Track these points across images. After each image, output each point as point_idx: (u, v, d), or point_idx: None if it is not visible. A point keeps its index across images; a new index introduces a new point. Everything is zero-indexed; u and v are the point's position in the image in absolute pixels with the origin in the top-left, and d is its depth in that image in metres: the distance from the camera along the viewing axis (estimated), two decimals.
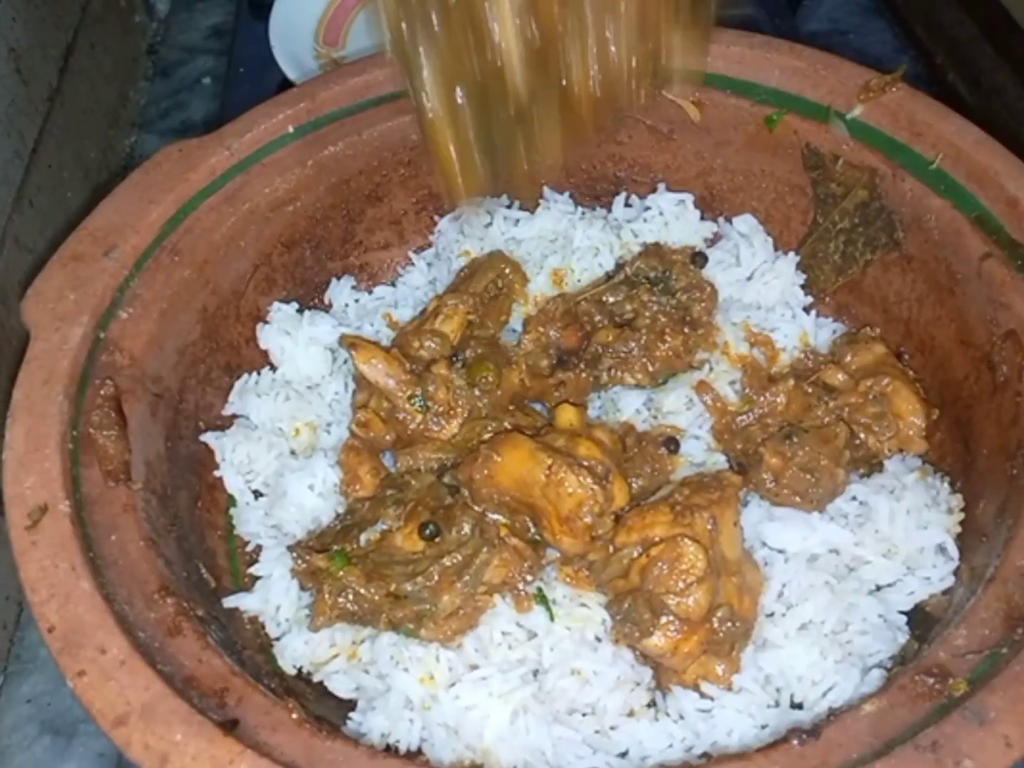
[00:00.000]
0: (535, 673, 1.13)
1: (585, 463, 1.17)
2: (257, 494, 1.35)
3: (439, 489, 1.24)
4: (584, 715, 1.12)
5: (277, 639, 1.22)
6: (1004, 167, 1.26)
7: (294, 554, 1.21)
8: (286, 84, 2.00)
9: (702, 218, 1.52)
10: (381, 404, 1.32)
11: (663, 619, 1.09)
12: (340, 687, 1.18)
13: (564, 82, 1.07)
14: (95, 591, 0.99)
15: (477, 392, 1.32)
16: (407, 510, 1.21)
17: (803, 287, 1.47)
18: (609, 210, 1.56)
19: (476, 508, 1.21)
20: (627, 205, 1.55)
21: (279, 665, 1.20)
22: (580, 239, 1.48)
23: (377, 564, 1.17)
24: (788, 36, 1.52)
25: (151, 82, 2.55)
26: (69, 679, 0.94)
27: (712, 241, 1.51)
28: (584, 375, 1.37)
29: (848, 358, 1.36)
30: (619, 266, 1.46)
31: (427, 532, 1.17)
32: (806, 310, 1.45)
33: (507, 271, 1.45)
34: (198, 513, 1.29)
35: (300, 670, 1.20)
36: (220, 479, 1.34)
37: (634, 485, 1.23)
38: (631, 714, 1.13)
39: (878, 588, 1.19)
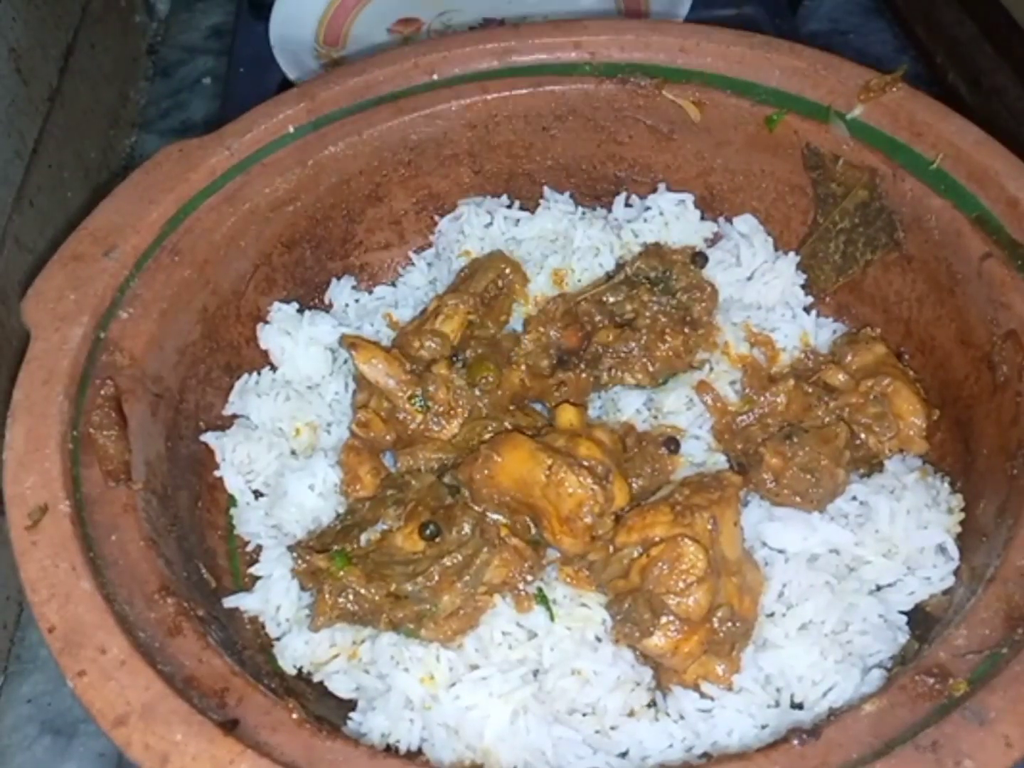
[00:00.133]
0: (535, 673, 1.13)
1: (585, 463, 1.17)
2: (257, 494, 1.35)
3: (439, 489, 1.24)
4: (584, 715, 1.12)
5: (277, 639, 1.22)
6: (1004, 167, 1.26)
7: (294, 554, 1.21)
8: (286, 84, 2.00)
9: (702, 218, 1.52)
10: (381, 404, 1.32)
11: (663, 619, 1.09)
12: (340, 687, 1.18)
13: None
14: (95, 591, 0.99)
15: (477, 392, 1.32)
16: (407, 510, 1.21)
17: (803, 287, 1.47)
18: (609, 210, 1.56)
19: (476, 508, 1.21)
20: (627, 205, 1.55)
21: (279, 665, 1.20)
22: (580, 239, 1.48)
23: (377, 564, 1.17)
24: (788, 36, 1.52)
25: (151, 82, 2.55)
26: (69, 679, 0.93)
27: (712, 241, 1.52)
28: (584, 375, 1.37)
29: (848, 358, 1.36)
30: (619, 266, 1.46)
31: (427, 532, 1.17)
32: (806, 310, 1.45)
33: (507, 271, 1.45)
34: (198, 513, 1.29)
35: (300, 670, 1.20)
36: (220, 479, 1.34)
37: (634, 485, 1.23)
38: (631, 714, 1.13)
39: (878, 588, 1.19)
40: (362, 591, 1.15)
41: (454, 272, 1.49)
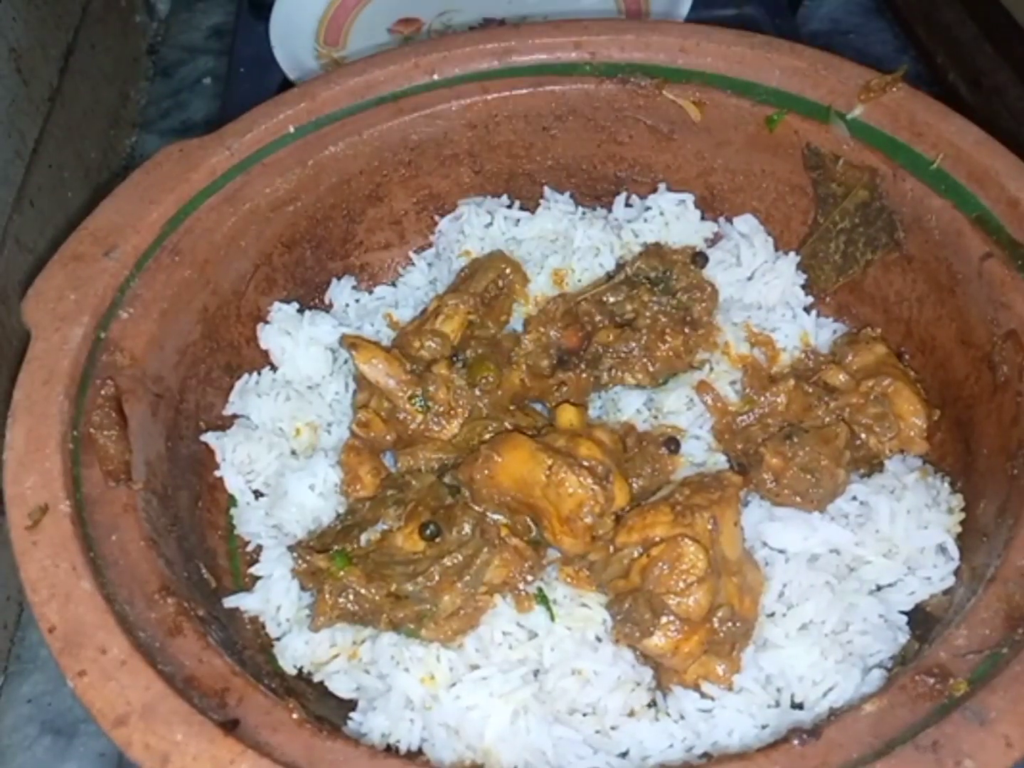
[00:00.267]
0: (536, 673, 1.13)
1: (585, 463, 1.17)
2: (258, 494, 1.35)
3: (439, 489, 1.24)
4: (585, 715, 1.12)
5: (278, 639, 1.22)
6: (1004, 167, 1.26)
7: (295, 554, 1.21)
8: (286, 84, 2.00)
9: (702, 218, 1.52)
10: (381, 404, 1.32)
11: (663, 619, 1.09)
12: (341, 687, 1.18)
13: None
14: (96, 591, 0.99)
15: (477, 392, 1.32)
16: (408, 510, 1.21)
17: (804, 287, 1.47)
18: (609, 210, 1.56)
19: (477, 508, 1.21)
20: (627, 205, 1.55)
21: (280, 665, 1.20)
22: (580, 239, 1.48)
23: (378, 564, 1.17)
24: (789, 36, 1.52)
25: (151, 82, 2.55)
26: (70, 679, 0.93)
27: (712, 241, 1.52)
28: (584, 375, 1.37)
29: (849, 358, 1.36)
30: (619, 266, 1.46)
31: (428, 532, 1.17)
32: (807, 310, 1.45)
33: (507, 271, 1.45)
34: (199, 513, 1.28)
35: (301, 670, 1.20)
36: (221, 479, 1.34)
37: (634, 485, 1.23)
38: (632, 714, 1.13)
39: (879, 588, 1.19)
40: (362, 591, 1.14)
41: (454, 272, 1.49)
